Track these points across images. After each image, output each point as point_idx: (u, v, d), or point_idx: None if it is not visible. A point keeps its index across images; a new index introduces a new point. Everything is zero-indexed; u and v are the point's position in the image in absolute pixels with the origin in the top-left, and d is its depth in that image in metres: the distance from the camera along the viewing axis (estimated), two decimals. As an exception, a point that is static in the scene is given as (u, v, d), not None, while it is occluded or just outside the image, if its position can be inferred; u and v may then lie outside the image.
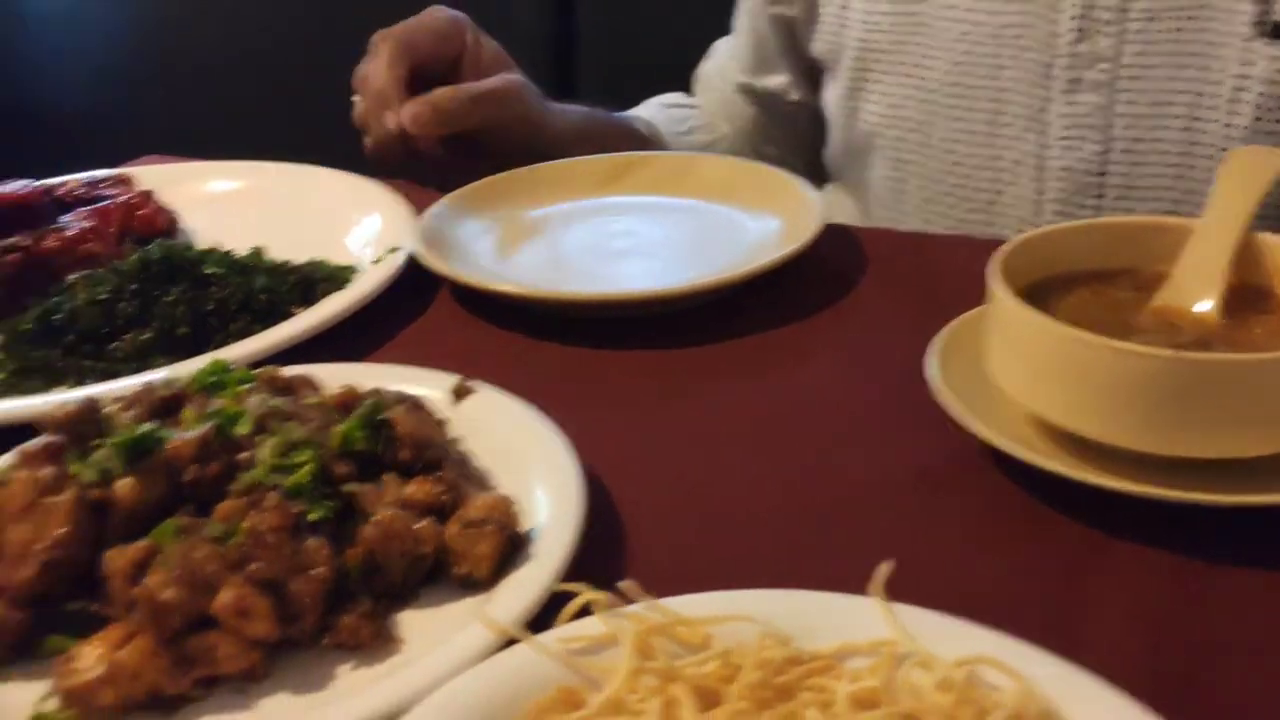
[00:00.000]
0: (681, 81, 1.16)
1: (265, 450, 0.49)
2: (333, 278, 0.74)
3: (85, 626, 0.45)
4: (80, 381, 0.65)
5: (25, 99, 1.80)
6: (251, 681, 0.44)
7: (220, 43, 1.62)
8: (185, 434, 0.48)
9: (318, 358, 0.64)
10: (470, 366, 0.62)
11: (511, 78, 0.90)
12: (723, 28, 1.12)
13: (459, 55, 0.89)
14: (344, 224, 0.83)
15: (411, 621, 0.47)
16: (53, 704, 0.43)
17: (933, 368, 0.57)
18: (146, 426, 0.48)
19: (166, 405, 0.53)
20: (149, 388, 0.54)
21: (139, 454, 0.47)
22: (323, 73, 1.52)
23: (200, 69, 1.63)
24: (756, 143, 1.11)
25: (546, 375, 0.67)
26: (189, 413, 0.52)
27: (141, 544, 0.45)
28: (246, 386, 0.55)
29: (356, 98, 0.89)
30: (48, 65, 1.83)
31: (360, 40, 0.89)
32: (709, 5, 1.19)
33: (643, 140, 1.05)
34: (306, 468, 0.48)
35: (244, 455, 0.49)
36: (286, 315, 0.70)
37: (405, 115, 0.83)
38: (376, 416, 0.51)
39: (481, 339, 0.72)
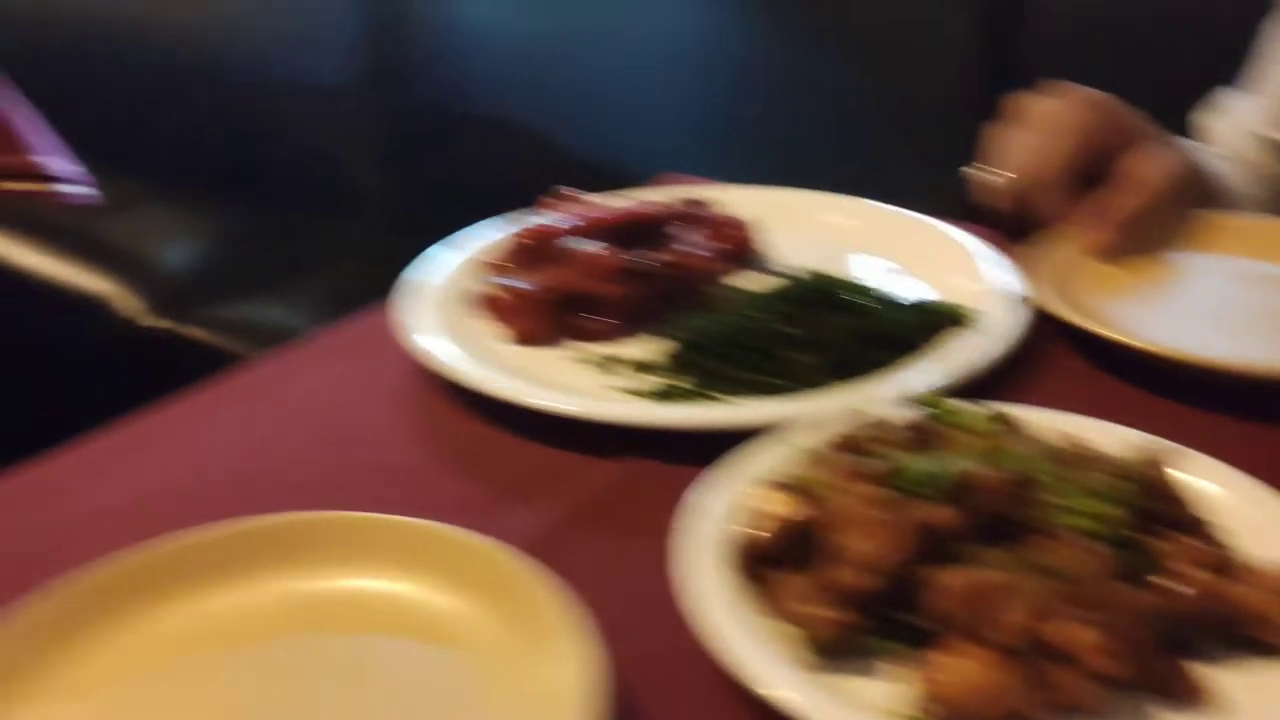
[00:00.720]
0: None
1: (1065, 494, 0.52)
2: (954, 316, 0.77)
3: (903, 635, 0.50)
4: (759, 395, 0.71)
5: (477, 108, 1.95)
6: (1081, 714, 0.47)
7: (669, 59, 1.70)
8: (993, 470, 0.52)
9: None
10: (1091, 413, 0.63)
11: (1174, 170, 0.88)
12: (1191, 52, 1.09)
13: (1100, 132, 0.88)
14: (932, 265, 0.86)
15: (1210, 677, 0.49)
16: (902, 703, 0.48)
17: None
18: (961, 460, 0.53)
19: (924, 435, 0.58)
20: (908, 417, 0.58)
21: (955, 485, 0.52)
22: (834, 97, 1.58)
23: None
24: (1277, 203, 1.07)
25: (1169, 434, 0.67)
26: (959, 445, 0.56)
27: (981, 570, 0.49)
28: (982, 423, 0.59)
29: (996, 172, 0.89)
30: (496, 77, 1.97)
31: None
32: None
33: (1225, 192, 1.03)
34: (1110, 516, 0.51)
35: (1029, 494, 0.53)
36: (916, 350, 0.74)
37: (1082, 232, 0.85)
38: (1145, 472, 0.54)
39: (1090, 386, 0.74)
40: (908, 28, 1.60)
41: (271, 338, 1.76)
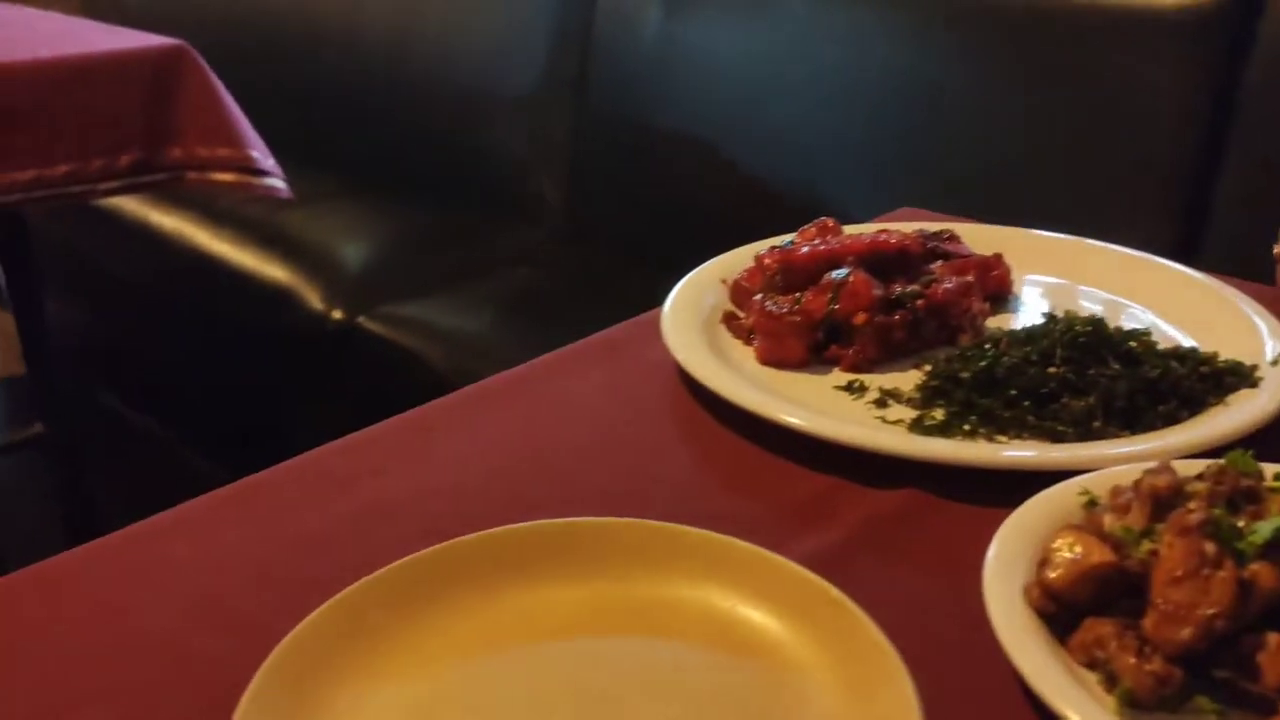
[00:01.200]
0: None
1: None
2: (1231, 370, 0.75)
3: (1225, 694, 0.49)
4: (1021, 435, 0.71)
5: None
6: None
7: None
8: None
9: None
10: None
11: None
12: None
13: None
14: (1192, 316, 0.84)
15: None
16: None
17: None
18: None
19: (1231, 490, 0.56)
20: (1225, 472, 0.57)
21: (1276, 544, 0.50)
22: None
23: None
24: None
25: None
26: (1272, 503, 0.55)
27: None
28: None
29: None
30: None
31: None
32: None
33: None
34: None
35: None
36: (1205, 404, 0.72)
37: None
38: None
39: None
40: (1126, 71, 1.56)
41: (445, 337, 1.81)
